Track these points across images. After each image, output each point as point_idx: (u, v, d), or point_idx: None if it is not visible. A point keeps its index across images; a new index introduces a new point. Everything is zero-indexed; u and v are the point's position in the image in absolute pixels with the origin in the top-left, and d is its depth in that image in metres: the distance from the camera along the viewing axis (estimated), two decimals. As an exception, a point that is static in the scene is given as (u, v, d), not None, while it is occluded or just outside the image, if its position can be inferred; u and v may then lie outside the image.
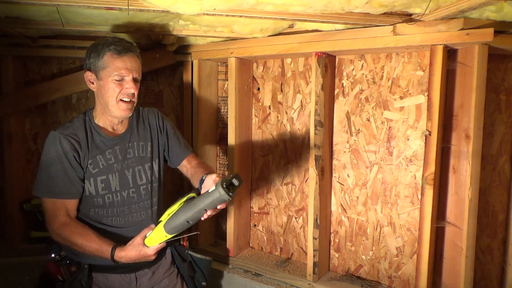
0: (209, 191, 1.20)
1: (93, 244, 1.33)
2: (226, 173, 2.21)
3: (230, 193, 1.16)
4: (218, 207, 1.24)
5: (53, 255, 1.44)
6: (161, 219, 1.33)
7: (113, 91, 1.38)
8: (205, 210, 1.22)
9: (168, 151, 1.63)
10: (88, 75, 1.42)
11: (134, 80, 1.42)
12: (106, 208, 1.44)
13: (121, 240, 1.36)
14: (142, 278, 1.51)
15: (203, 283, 1.62)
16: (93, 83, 1.43)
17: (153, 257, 1.35)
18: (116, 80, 1.38)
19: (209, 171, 1.47)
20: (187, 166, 1.64)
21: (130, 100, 1.42)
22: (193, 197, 1.29)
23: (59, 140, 1.38)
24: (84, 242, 1.33)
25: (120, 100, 1.40)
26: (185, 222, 1.25)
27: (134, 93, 1.42)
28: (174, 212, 1.28)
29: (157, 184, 1.57)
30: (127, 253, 1.32)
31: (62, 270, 1.42)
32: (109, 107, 1.41)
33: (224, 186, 1.16)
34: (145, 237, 1.33)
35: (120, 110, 1.41)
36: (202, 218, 1.27)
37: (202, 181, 1.38)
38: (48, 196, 1.38)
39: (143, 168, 1.52)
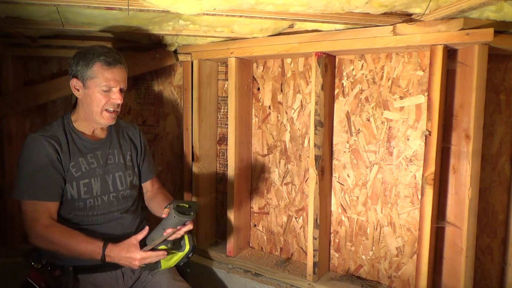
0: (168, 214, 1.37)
1: (82, 244, 1.32)
2: (225, 175, 2.21)
3: (181, 217, 1.32)
4: (178, 227, 1.35)
5: (33, 263, 1.42)
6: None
7: (100, 101, 1.41)
8: (163, 228, 1.35)
9: (140, 167, 1.69)
10: (74, 82, 1.44)
11: (120, 90, 1.45)
12: (86, 211, 1.46)
13: (102, 236, 1.39)
14: (128, 274, 1.53)
15: (188, 270, 1.67)
16: (78, 90, 1.44)
17: (137, 265, 1.33)
18: (104, 91, 1.41)
19: (168, 198, 1.62)
20: (148, 188, 1.72)
21: (114, 110, 1.46)
22: (177, 206, 1.38)
23: (40, 142, 1.38)
24: (73, 243, 1.32)
25: (105, 110, 1.43)
26: (151, 239, 1.36)
27: (119, 104, 1.46)
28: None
29: (136, 190, 1.63)
30: (119, 250, 1.31)
31: (46, 277, 1.40)
32: (93, 115, 1.44)
33: (177, 211, 1.32)
34: (140, 240, 1.34)
35: (104, 119, 1.45)
36: (166, 235, 1.35)
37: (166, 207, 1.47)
38: (31, 198, 1.36)
39: (123, 174, 1.56)
